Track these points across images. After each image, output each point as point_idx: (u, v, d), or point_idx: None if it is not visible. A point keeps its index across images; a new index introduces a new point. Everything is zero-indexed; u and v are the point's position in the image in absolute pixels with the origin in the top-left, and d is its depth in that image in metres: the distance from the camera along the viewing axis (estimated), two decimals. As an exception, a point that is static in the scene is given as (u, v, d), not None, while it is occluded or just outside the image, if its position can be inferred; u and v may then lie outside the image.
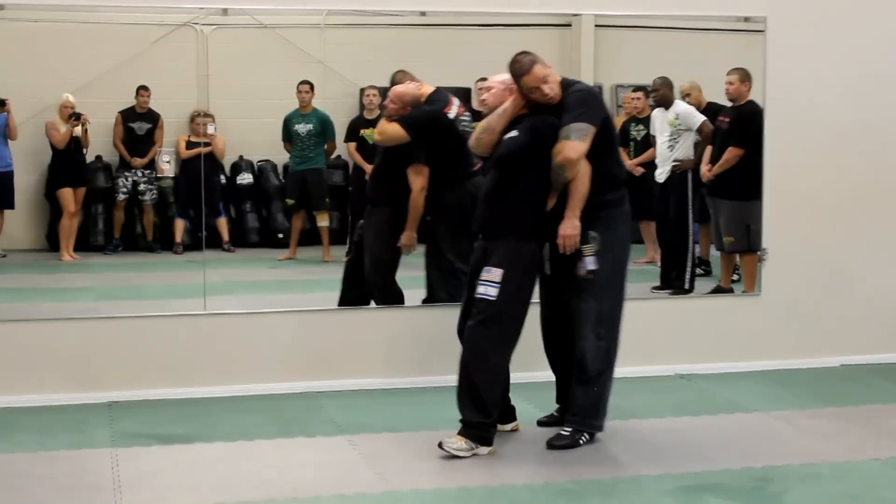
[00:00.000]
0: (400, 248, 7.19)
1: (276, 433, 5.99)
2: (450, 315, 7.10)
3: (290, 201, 9.59)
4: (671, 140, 8.55)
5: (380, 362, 7.01)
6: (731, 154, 7.96)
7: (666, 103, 8.69)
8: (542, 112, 5.69)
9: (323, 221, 9.51)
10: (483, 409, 5.54)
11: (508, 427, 5.91)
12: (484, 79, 9.52)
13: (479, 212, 5.80)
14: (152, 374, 6.70)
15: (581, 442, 5.73)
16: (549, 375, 6.07)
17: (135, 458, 5.54)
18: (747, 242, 7.80)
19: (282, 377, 6.85)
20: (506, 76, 5.80)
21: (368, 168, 9.34)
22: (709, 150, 8.29)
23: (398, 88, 7.17)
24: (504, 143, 5.72)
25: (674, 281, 8.35)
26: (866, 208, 7.59)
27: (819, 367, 7.48)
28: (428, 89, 7.18)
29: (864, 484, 5.24)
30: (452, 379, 6.88)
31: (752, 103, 7.84)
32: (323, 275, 9.23)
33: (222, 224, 9.44)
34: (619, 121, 9.91)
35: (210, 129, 9.01)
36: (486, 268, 5.59)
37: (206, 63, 8.75)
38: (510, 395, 5.91)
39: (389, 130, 7.08)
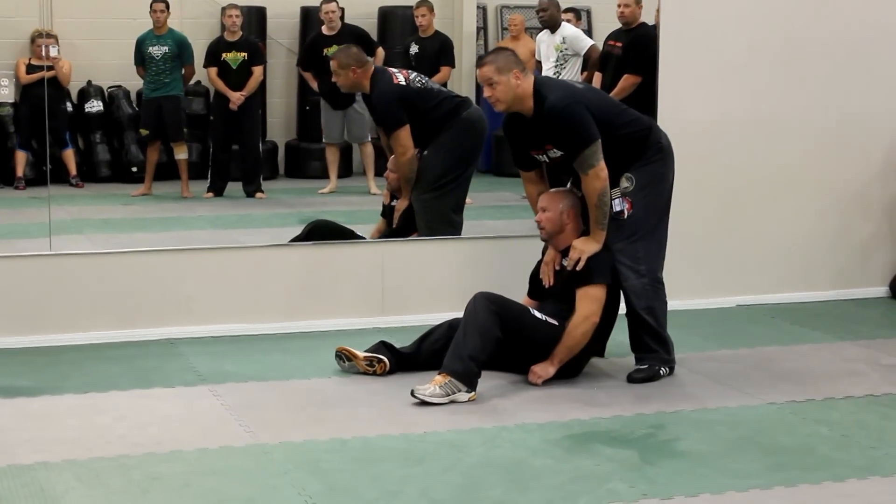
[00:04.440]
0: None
1: (132, 384, 5.94)
2: (321, 255, 7.16)
3: (144, 132, 9.45)
4: (557, 65, 8.59)
5: (245, 306, 6.98)
6: (627, 82, 8.00)
7: (553, 25, 8.71)
8: (521, 120, 5.97)
9: (181, 154, 9.39)
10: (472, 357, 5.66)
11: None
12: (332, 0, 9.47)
13: None
14: (-8, 322, 6.59)
15: (662, 374, 6.09)
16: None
17: (-26, 413, 5.46)
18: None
19: (137, 323, 6.79)
20: (559, 201, 6.03)
21: (231, 95, 9.33)
22: (597, 77, 8.33)
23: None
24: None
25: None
26: (762, 142, 7.71)
27: (715, 307, 7.65)
28: (369, 71, 7.45)
29: (760, 430, 5.38)
30: (324, 323, 6.98)
31: (646, 26, 7.89)
32: (181, 212, 9.14)
33: (69, 156, 9.26)
34: (504, 45, 10.00)
35: (53, 52, 8.80)
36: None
37: (49, -24, 8.54)
38: None
39: (402, 140, 7.32)
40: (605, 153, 5.85)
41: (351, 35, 9.40)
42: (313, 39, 9.65)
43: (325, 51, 9.33)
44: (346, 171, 9.92)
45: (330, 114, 9.57)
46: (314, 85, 9.56)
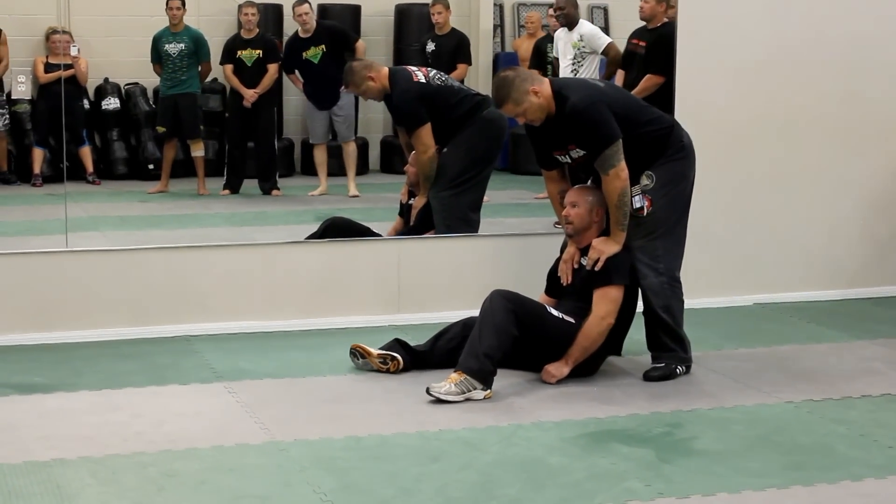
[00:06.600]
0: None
1: (147, 381, 5.94)
2: (337, 252, 7.15)
3: (160, 129, 9.46)
4: (575, 63, 8.56)
5: (260, 303, 6.98)
6: (649, 82, 7.94)
7: (570, 23, 8.67)
8: (544, 121, 5.92)
9: (197, 151, 9.40)
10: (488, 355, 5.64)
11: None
12: (305, 1, 9.40)
13: None
14: (8, 318, 6.58)
15: (678, 372, 6.06)
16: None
17: (-10, 410, 5.46)
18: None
19: (153, 320, 6.78)
20: (588, 196, 5.98)
21: (246, 92, 9.32)
22: (620, 75, 8.28)
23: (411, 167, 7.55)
24: None
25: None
26: (781, 141, 7.66)
27: (732, 305, 7.61)
28: (384, 73, 7.42)
29: (777, 429, 5.35)
30: (339, 320, 6.97)
31: (670, 25, 7.79)
32: (197, 209, 9.15)
33: (86, 154, 9.27)
34: (521, 42, 9.98)
35: (73, 51, 8.81)
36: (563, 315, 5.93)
37: (65, -26, 8.55)
38: None
39: (423, 138, 7.29)
40: (627, 151, 5.81)
41: (327, 33, 9.35)
42: (291, 43, 9.52)
43: (304, 54, 9.26)
44: (363, 168, 9.91)
45: (314, 114, 9.53)
46: (299, 87, 9.49)
